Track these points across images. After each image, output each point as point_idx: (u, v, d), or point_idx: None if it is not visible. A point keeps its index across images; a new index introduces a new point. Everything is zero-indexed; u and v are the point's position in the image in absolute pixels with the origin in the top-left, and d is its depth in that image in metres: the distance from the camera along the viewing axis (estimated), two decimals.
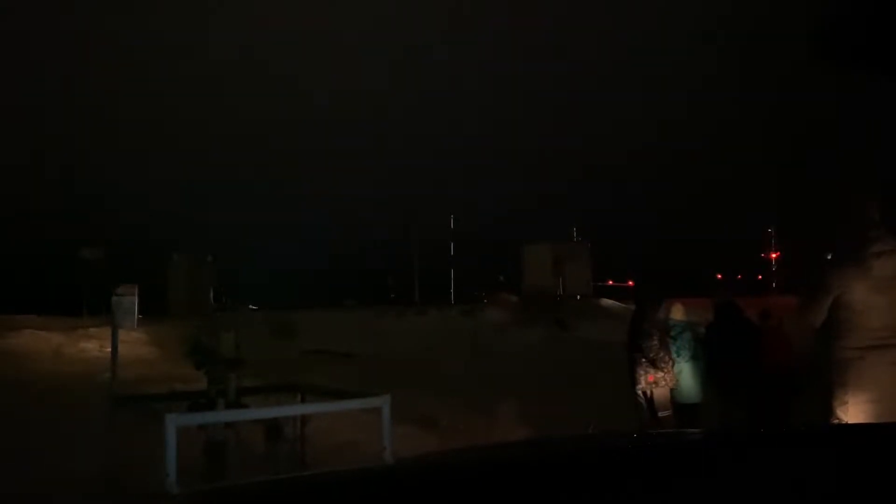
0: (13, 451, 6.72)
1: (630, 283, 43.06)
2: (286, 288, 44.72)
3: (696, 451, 1.76)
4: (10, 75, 67.22)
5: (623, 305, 25.25)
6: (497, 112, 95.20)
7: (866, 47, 2.23)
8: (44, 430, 7.91)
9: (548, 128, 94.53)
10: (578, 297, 33.11)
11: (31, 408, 9.55)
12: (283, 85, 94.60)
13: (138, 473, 4.79)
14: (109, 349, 7.84)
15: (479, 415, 8.88)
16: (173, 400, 5.87)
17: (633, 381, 7.47)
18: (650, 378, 7.32)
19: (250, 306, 35.16)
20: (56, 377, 13.41)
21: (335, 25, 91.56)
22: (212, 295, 31.18)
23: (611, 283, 42.98)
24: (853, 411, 4.09)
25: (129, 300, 7.16)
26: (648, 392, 7.40)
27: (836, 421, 4.13)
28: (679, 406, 7.44)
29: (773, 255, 52.16)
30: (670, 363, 7.34)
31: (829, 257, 4.62)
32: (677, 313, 7.79)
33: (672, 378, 7.37)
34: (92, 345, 17.33)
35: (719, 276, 41.92)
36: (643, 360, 7.33)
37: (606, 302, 30.06)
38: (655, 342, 7.31)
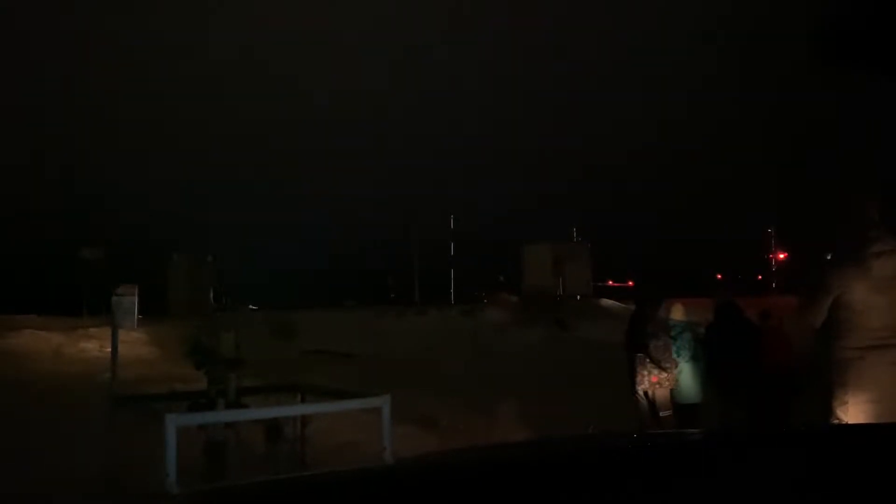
0: (13, 451, 6.72)
1: (630, 283, 43.24)
2: (286, 288, 44.70)
3: (696, 451, 1.76)
4: (10, 75, 67.24)
5: (623, 305, 25.23)
6: (497, 112, 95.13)
7: (866, 47, 2.23)
8: (44, 430, 7.91)
9: (548, 128, 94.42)
10: (578, 297, 33.08)
11: (31, 408, 9.55)
12: (283, 85, 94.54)
13: (138, 473, 4.79)
14: (109, 349, 7.84)
15: (479, 415, 8.88)
16: (173, 400, 5.87)
17: (634, 382, 7.47)
18: (654, 378, 7.32)
19: (250, 306, 35.10)
20: (56, 377, 13.41)
21: (335, 25, 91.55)
22: (212, 295, 31.15)
23: (611, 283, 43.05)
24: (853, 411, 4.09)
25: (129, 300, 7.17)
26: (651, 392, 7.41)
27: (836, 421, 4.13)
28: (679, 406, 7.45)
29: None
30: (674, 364, 7.35)
31: (829, 257, 4.62)
32: (677, 313, 7.79)
33: (673, 378, 7.37)
34: (92, 345, 17.34)
35: (719, 276, 41.89)
36: (647, 360, 7.33)
37: (606, 302, 30.04)
38: (661, 343, 7.32)
